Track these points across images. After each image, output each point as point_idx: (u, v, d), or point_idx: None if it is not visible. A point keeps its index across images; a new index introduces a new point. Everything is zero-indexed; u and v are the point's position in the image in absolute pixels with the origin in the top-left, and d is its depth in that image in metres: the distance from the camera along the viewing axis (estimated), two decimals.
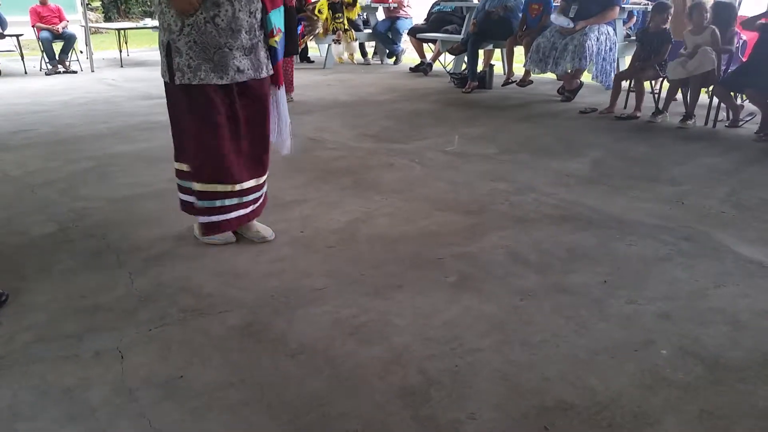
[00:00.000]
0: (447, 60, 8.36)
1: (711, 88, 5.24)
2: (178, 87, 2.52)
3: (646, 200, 3.41)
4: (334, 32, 8.83)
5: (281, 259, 2.70)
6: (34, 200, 3.46)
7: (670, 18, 5.62)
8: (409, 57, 9.62)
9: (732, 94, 5.17)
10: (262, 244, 2.84)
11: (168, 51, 2.50)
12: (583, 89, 6.45)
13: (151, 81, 7.95)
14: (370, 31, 9.55)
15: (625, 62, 6.85)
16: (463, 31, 7.85)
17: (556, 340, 2.07)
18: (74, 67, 8.86)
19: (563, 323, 2.18)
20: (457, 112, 5.89)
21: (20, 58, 8.91)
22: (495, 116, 5.69)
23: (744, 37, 5.61)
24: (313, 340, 2.09)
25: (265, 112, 2.69)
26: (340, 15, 8.79)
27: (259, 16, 2.53)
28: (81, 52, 9.49)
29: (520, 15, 6.86)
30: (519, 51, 7.04)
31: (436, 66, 8.51)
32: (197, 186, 2.67)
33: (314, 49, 10.15)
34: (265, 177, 2.82)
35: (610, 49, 6.14)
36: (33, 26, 8.67)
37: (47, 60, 8.67)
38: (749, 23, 5.09)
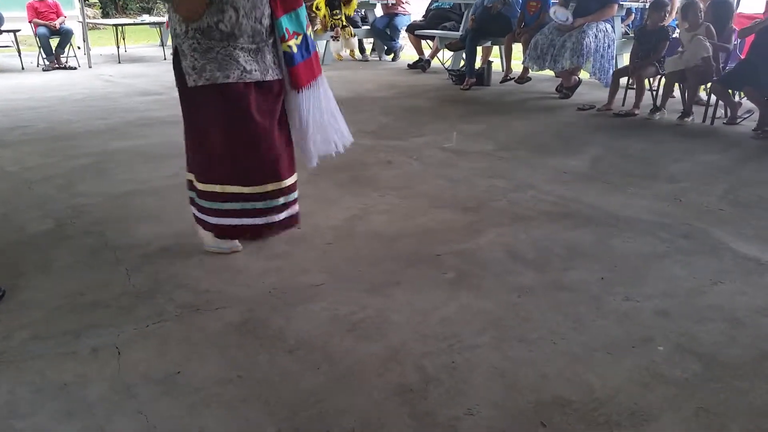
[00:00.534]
0: (445, 57, 8.35)
1: (709, 85, 5.24)
2: (191, 90, 2.46)
3: (644, 197, 3.41)
4: (332, 29, 8.81)
5: (279, 256, 2.70)
6: (31, 196, 3.45)
7: (667, 15, 5.63)
8: (408, 54, 9.61)
9: (730, 91, 5.18)
10: (260, 241, 2.81)
11: (176, 55, 2.49)
12: (581, 86, 6.45)
13: (149, 77, 7.94)
14: (368, 27, 9.54)
15: (624, 60, 6.85)
16: (461, 28, 7.84)
17: (554, 337, 2.07)
18: (72, 63, 8.84)
19: (561, 320, 2.18)
20: (455, 109, 5.88)
21: (17, 53, 8.88)
22: (493, 113, 5.69)
23: None
24: (310, 336, 2.08)
25: (274, 114, 2.57)
26: (338, 11, 8.78)
27: (266, 21, 2.47)
28: (78, 48, 9.47)
29: (519, 10, 6.85)
30: (517, 48, 7.03)
31: (435, 63, 8.50)
32: (204, 187, 2.58)
33: None
34: (281, 183, 2.62)
35: (608, 46, 6.13)
36: (30, 22, 8.64)
37: (44, 56, 8.65)
38: (746, 32, 5.11)
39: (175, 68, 2.52)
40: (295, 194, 2.72)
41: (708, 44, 4.97)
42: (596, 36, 6.00)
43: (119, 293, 2.38)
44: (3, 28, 8.50)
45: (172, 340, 2.06)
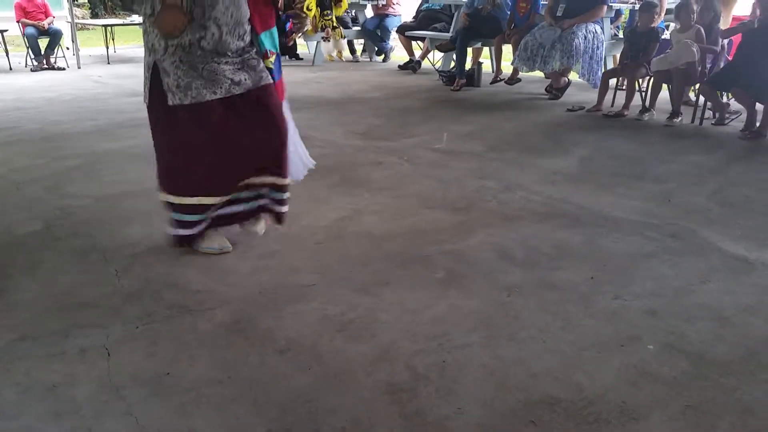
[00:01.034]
0: (436, 58, 8.37)
1: (697, 86, 5.28)
2: (167, 109, 2.41)
3: (632, 198, 3.43)
4: (322, 29, 8.80)
5: (269, 256, 2.70)
6: (19, 198, 3.43)
7: (657, 17, 5.67)
8: (398, 55, 9.62)
9: (718, 92, 5.22)
10: (250, 240, 2.81)
11: (154, 72, 2.39)
12: (571, 87, 6.47)
13: (138, 78, 7.82)
14: (358, 28, 9.54)
15: (614, 60, 6.89)
16: (451, 29, 7.85)
17: (543, 336, 2.08)
18: (60, 63, 8.78)
19: (550, 319, 2.19)
20: (445, 110, 5.89)
21: (5, 54, 8.81)
22: (483, 114, 5.70)
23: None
24: (300, 336, 2.08)
25: (272, 114, 2.53)
26: (328, 12, 8.77)
27: (248, 38, 2.46)
28: (67, 48, 9.41)
29: (508, 12, 6.88)
30: (507, 49, 7.05)
31: (425, 64, 8.51)
32: (173, 199, 2.56)
33: (302, 46, 10.12)
34: (278, 180, 2.65)
35: (597, 47, 6.16)
36: (18, 22, 8.56)
37: (33, 56, 8.58)
38: (729, 33, 5.16)
39: (147, 85, 2.43)
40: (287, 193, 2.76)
41: (694, 49, 5.01)
42: (585, 37, 6.03)
43: (108, 294, 2.36)
44: None
45: (161, 341, 2.05)
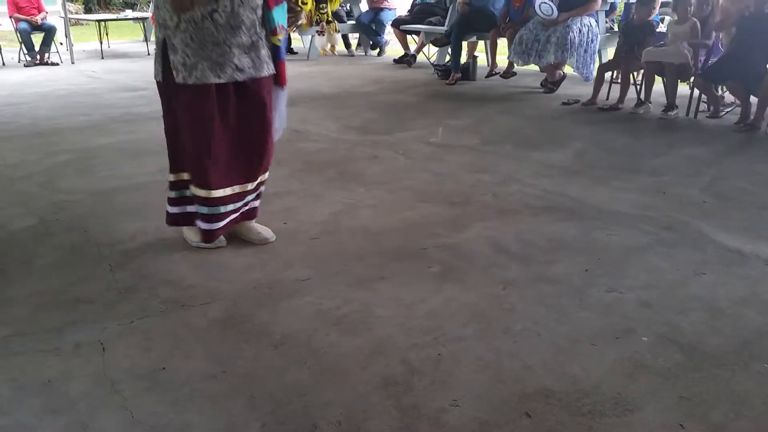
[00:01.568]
0: (431, 52, 8.35)
1: (692, 80, 5.29)
2: (174, 87, 2.39)
3: (627, 190, 3.43)
4: (317, 23, 8.77)
5: (264, 251, 2.69)
6: (13, 193, 3.41)
7: (653, 11, 5.67)
8: (393, 49, 9.60)
9: (712, 85, 5.22)
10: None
11: (163, 48, 2.37)
12: (566, 81, 6.47)
13: (132, 73, 7.87)
14: (353, 22, 9.51)
15: (607, 54, 6.89)
16: (446, 23, 7.84)
17: (538, 329, 2.09)
18: (54, 59, 8.74)
19: (545, 312, 2.19)
20: (440, 104, 5.89)
21: None
22: (478, 108, 5.70)
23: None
24: (295, 331, 2.08)
25: (264, 111, 2.53)
26: (324, 6, 8.74)
27: (260, 12, 2.42)
28: (61, 43, 9.35)
29: (501, 4, 6.87)
30: (502, 43, 7.05)
31: (420, 58, 8.50)
32: (201, 192, 2.54)
33: (297, 40, 10.09)
34: (263, 178, 2.71)
35: (592, 41, 6.16)
36: (11, 17, 8.52)
37: (26, 51, 8.54)
38: (722, 25, 5.17)
39: (159, 61, 2.42)
40: (262, 187, 2.78)
41: (686, 53, 5.02)
42: (580, 31, 6.03)
43: (103, 289, 2.36)
44: None
45: (156, 336, 2.05)
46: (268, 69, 2.50)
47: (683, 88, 5.44)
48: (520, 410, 1.70)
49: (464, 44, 7.32)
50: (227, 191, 2.57)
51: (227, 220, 2.64)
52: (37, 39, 8.60)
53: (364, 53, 9.83)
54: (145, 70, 8.02)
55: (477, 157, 4.09)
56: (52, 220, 3.03)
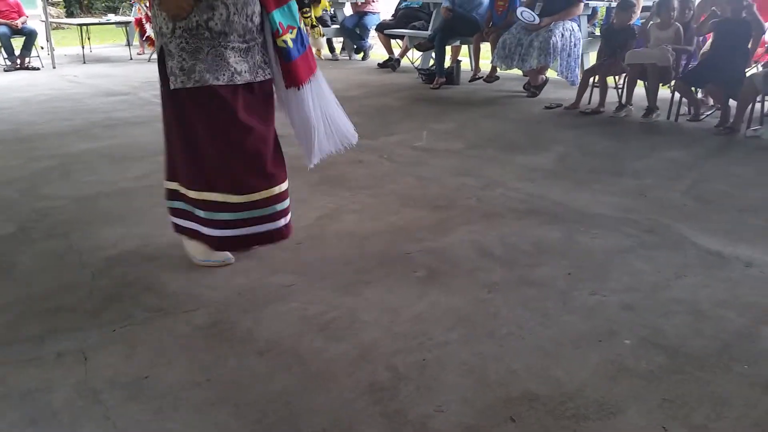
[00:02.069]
0: (415, 56, 8.38)
1: (673, 83, 5.35)
2: (176, 94, 2.36)
3: (609, 194, 3.46)
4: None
5: (248, 257, 2.68)
6: None
7: (634, 15, 5.73)
8: (377, 53, 9.62)
9: (692, 89, 5.29)
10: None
11: (161, 55, 2.37)
12: (549, 85, 6.52)
13: (114, 77, 7.81)
14: (337, 26, 9.51)
15: (590, 58, 6.94)
16: (430, 27, 7.87)
17: (522, 332, 2.10)
18: (35, 63, 8.65)
19: (529, 316, 2.20)
20: (425, 108, 5.90)
21: None
22: (462, 112, 5.73)
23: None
24: (280, 337, 2.08)
25: (265, 117, 2.49)
26: (307, 10, 8.71)
27: (257, 19, 2.40)
28: (42, 48, 9.27)
29: (484, 9, 6.91)
30: (486, 47, 7.08)
31: (404, 62, 8.52)
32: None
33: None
34: (274, 190, 2.53)
35: (575, 45, 6.22)
36: None
37: (6, 56, 8.44)
38: (701, 27, 5.24)
39: (160, 70, 2.40)
40: (287, 202, 2.61)
41: (669, 57, 5.08)
42: (563, 35, 6.08)
43: (85, 297, 2.34)
44: None
45: (139, 344, 2.04)
46: (262, 74, 2.47)
47: (664, 92, 5.51)
48: (505, 415, 1.71)
49: (448, 48, 7.35)
50: (225, 198, 2.46)
51: (231, 231, 2.50)
52: (17, 43, 8.50)
53: (348, 57, 9.83)
54: (128, 74, 7.97)
55: (461, 161, 4.11)
56: (33, 226, 3.00)
